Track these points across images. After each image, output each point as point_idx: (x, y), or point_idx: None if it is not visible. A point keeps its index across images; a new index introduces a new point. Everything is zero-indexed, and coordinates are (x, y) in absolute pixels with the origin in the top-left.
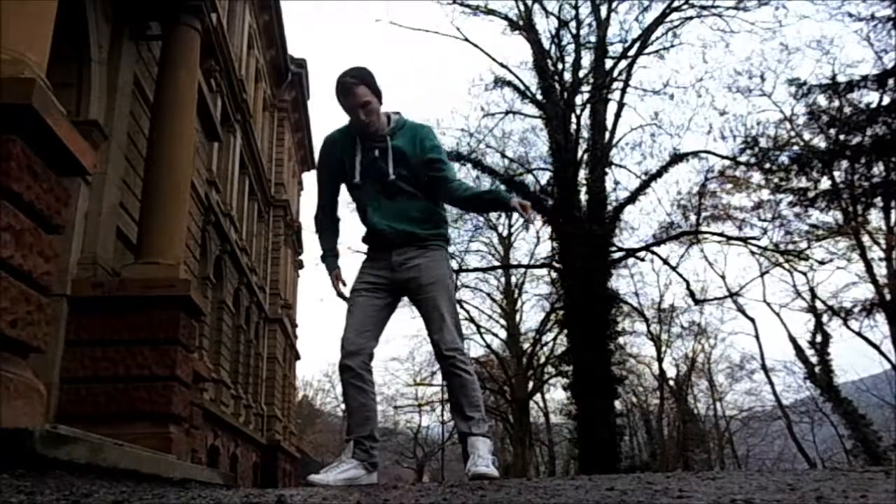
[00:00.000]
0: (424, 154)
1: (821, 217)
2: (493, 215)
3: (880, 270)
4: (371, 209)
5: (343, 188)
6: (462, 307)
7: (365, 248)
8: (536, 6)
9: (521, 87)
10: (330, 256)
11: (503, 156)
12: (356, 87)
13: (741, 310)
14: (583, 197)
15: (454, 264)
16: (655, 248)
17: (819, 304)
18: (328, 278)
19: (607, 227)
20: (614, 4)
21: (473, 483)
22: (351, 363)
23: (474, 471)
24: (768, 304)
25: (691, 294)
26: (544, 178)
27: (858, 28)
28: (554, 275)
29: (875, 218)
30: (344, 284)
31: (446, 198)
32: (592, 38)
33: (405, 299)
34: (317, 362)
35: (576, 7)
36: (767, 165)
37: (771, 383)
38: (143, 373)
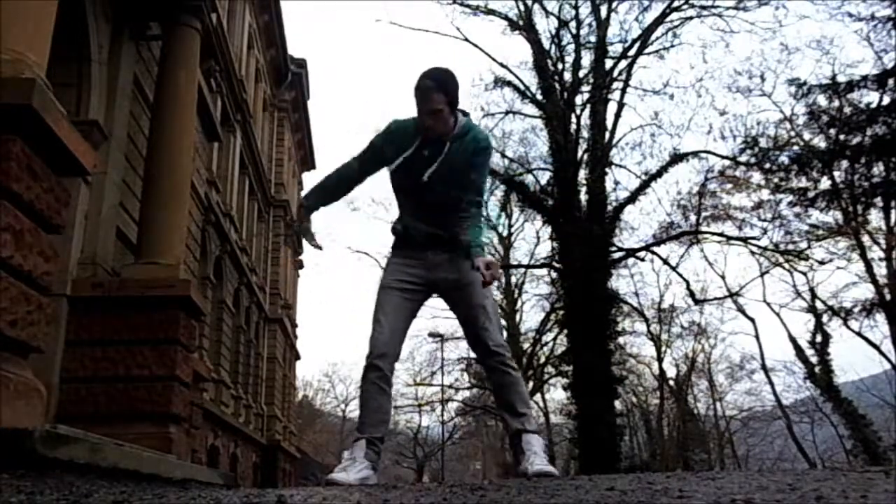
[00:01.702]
0: (473, 169)
1: (821, 217)
2: (493, 215)
3: (880, 270)
4: (407, 208)
5: (375, 176)
6: None
7: (393, 245)
8: (536, 6)
9: (521, 87)
10: (303, 206)
11: (503, 156)
12: (433, 92)
13: (741, 310)
14: (583, 197)
15: None
16: (655, 248)
17: (819, 304)
18: (305, 218)
19: (607, 227)
20: (614, 4)
21: (473, 483)
22: (380, 364)
23: (535, 469)
24: (768, 304)
25: (691, 294)
26: (544, 178)
27: (858, 28)
28: (554, 275)
29: (875, 218)
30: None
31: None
32: (592, 38)
33: None
34: (317, 362)
35: (576, 7)
36: (767, 165)
37: (771, 383)
38: (143, 373)
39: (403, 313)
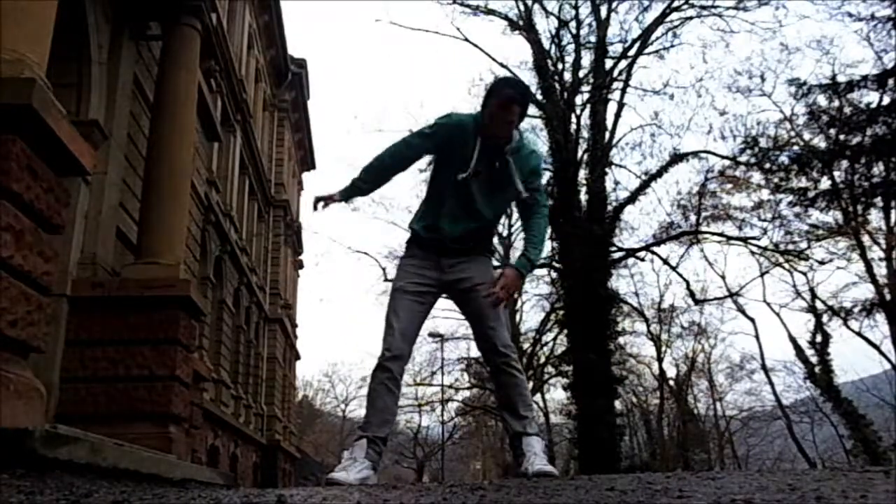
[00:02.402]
0: (530, 181)
1: (821, 217)
2: None
3: (880, 270)
4: (444, 211)
5: (410, 169)
6: None
7: (409, 241)
8: (536, 6)
9: None
10: (356, 185)
11: None
12: (515, 104)
13: (741, 310)
14: (583, 197)
15: None
16: (655, 248)
17: (819, 304)
18: (334, 191)
19: (607, 227)
20: (614, 4)
21: (474, 483)
22: (391, 366)
23: (535, 469)
24: (768, 304)
25: (691, 294)
26: (544, 178)
27: (858, 28)
28: (554, 275)
29: (875, 218)
30: (325, 205)
31: (524, 220)
32: (592, 38)
33: None
34: (317, 362)
35: (576, 7)
36: (767, 165)
37: (771, 383)
38: (143, 373)
39: (416, 316)
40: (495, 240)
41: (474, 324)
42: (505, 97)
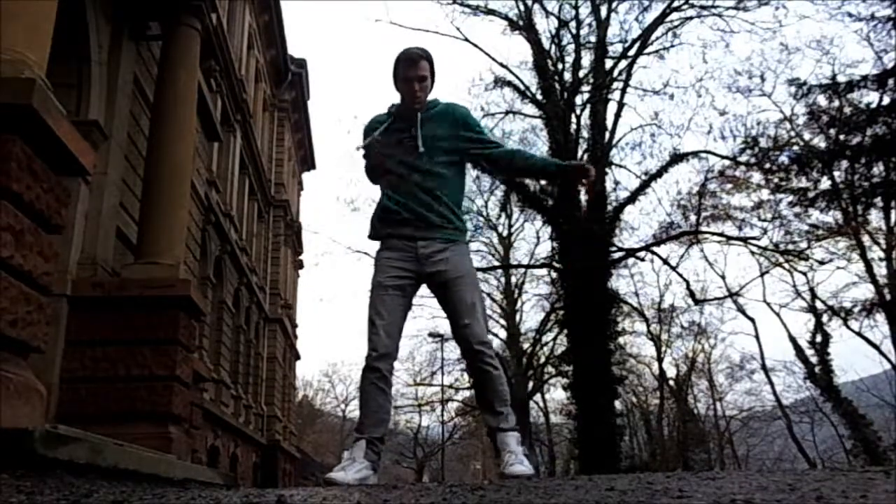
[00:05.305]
0: (465, 131)
1: (821, 217)
2: (493, 215)
3: (880, 270)
4: (396, 188)
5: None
6: None
7: (375, 237)
8: (536, 6)
9: (521, 87)
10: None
11: None
12: (421, 59)
13: (741, 310)
14: (583, 197)
15: None
16: (655, 248)
17: (819, 304)
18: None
19: (607, 227)
20: (614, 4)
21: (473, 483)
22: (380, 365)
23: (509, 471)
24: (768, 304)
25: (691, 294)
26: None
27: (858, 28)
28: (554, 275)
29: (875, 218)
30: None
31: (501, 166)
32: (592, 38)
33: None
34: (317, 362)
35: (576, 7)
36: (767, 165)
37: (771, 383)
38: (143, 373)
39: (398, 311)
40: (495, 239)
41: (450, 320)
42: (409, 55)
